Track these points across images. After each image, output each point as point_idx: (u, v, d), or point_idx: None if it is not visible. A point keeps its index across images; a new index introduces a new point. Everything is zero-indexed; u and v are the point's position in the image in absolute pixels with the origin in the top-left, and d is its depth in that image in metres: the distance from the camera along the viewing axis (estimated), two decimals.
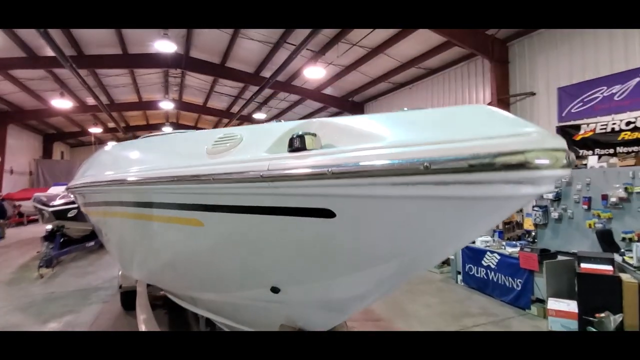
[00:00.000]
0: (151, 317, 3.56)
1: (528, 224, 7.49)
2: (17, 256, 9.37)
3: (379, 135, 1.47)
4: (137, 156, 3.16)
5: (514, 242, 5.61)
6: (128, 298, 4.81)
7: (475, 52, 10.03)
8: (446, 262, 7.01)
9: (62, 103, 15.61)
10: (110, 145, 4.12)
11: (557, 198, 6.36)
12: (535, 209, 6.64)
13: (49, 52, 11.57)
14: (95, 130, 23.74)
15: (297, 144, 1.59)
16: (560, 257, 4.97)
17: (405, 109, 1.71)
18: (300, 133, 1.61)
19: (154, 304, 4.07)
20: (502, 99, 9.55)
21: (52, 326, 4.57)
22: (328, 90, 15.97)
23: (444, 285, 6.19)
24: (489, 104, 10.22)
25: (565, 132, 8.04)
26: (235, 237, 2.06)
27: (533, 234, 6.98)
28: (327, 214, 1.59)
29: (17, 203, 16.93)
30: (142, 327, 3.35)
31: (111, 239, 4.21)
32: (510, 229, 8.06)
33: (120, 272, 5.02)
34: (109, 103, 19.20)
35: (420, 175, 1.30)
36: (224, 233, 2.09)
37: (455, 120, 1.46)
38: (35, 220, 13.89)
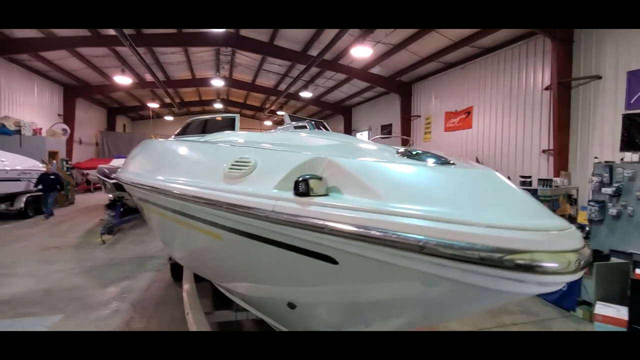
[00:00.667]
0: (194, 289, 3.86)
1: (582, 218, 7.00)
2: (84, 221, 10.41)
3: (384, 194, 1.46)
4: (166, 163, 3.33)
5: None
6: (176, 269, 5.23)
7: (535, 30, 9.23)
8: None
9: (123, 79, 16.65)
10: (150, 143, 4.23)
11: (617, 193, 5.85)
12: (591, 203, 6.16)
13: (111, 31, 12.32)
14: (153, 105, 25.15)
15: (302, 188, 1.64)
16: (613, 259, 4.64)
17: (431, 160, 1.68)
18: (307, 176, 1.65)
19: (198, 277, 4.39)
20: (563, 82, 8.79)
21: (111, 290, 5.10)
22: (375, 70, 15.56)
23: None
24: (548, 87, 9.46)
25: (633, 120, 7.28)
26: (248, 258, 2.18)
27: (587, 229, 6.52)
28: (330, 259, 1.63)
29: (85, 171, 18.61)
30: (185, 297, 3.65)
31: (150, 222, 4.54)
32: None
33: None
34: (165, 80, 20.16)
35: (416, 253, 1.27)
36: (239, 251, 2.21)
37: (464, 189, 1.40)
38: (101, 188, 15.25)
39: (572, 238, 1.21)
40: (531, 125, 10.31)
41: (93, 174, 15.92)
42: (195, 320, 3.08)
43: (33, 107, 16.77)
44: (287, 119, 4.40)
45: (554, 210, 7.39)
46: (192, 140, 3.33)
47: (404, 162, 1.68)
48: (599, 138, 8.41)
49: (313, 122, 4.57)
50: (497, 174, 1.57)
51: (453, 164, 1.63)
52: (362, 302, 1.76)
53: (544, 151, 9.87)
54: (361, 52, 11.81)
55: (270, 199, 1.74)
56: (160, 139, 3.96)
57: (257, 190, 1.88)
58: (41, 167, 11.87)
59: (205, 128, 4.82)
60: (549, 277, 1.14)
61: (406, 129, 16.58)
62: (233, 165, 2.16)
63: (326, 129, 5.11)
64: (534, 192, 7.43)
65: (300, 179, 1.66)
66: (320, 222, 1.50)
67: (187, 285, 3.94)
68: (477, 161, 12.14)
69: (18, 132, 13.50)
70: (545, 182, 7.45)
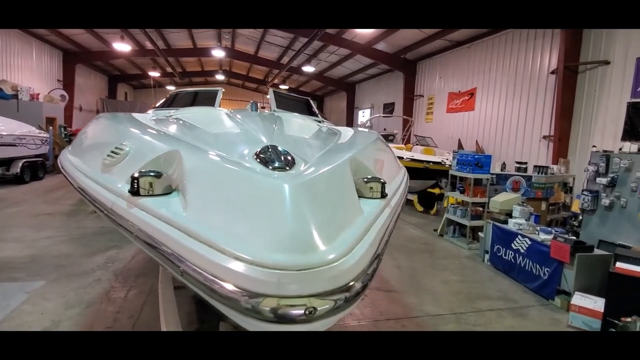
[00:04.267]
0: None
1: (576, 207, 6.94)
2: None
3: (191, 205, 1.46)
4: (89, 143, 3.23)
5: (549, 229, 5.23)
6: None
7: None
8: (476, 239, 6.80)
9: (122, 46, 16.33)
10: (96, 119, 3.66)
11: (612, 184, 5.75)
12: (585, 193, 6.08)
13: None
14: (154, 74, 24.79)
15: (134, 186, 1.60)
16: (597, 251, 4.60)
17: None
18: (145, 172, 1.61)
19: None
20: (570, 66, 8.51)
21: (96, 259, 5.15)
22: (380, 46, 15.13)
23: (468, 263, 6.05)
24: (554, 71, 9.17)
25: (638, 109, 7.07)
26: None
27: (580, 218, 6.47)
28: None
29: None
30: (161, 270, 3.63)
31: None
32: (554, 211, 7.52)
33: None
34: (165, 48, 19.76)
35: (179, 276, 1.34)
36: None
37: (255, 205, 1.34)
38: None
39: (308, 281, 1.12)
40: (534, 110, 10.07)
41: None
42: (163, 292, 3.10)
43: (32, 71, 16.55)
44: (271, 95, 4.28)
45: (547, 198, 7.33)
46: (137, 119, 3.04)
47: (246, 165, 1.59)
48: (601, 126, 8.21)
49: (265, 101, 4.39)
50: (306, 186, 1.44)
51: (288, 168, 1.54)
52: None
53: (544, 137, 9.68)
54: None
55: (115, 194, 1.74)
56: (108, 114, 3.64)
57: (113, 181, 1.87)
58: (37, 133, 11.83)
59: (190, 100, 4.71)
60: (267, 325, 1.13)
61: (408, 109, 16.30)
62: (109, 154, 2.11)
63: (309, 107, 4.97)
64: (528, 179, 7.34)
65: (136, 174, 1.62)
66: (132, 227, 1.53)
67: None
68: (477, 145, 11.97)
69: (15, 96, 13.37)
70: (540, 169, 7.33)
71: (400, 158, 9.41)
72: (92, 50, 19.55)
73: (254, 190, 1.39)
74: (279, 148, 1.67)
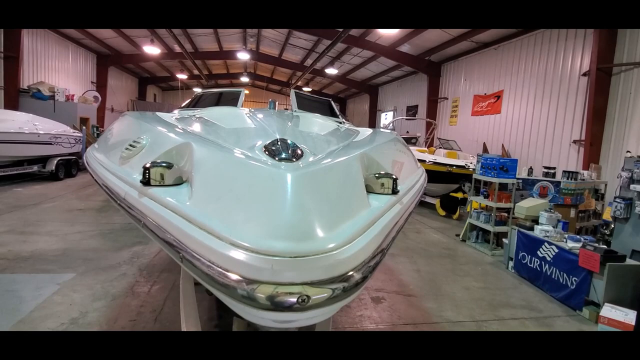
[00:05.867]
0: None
1: (608, 214, 6.64)
2: None
3: (197, 194, 1.47)
4: (113, 139, 3.27)
5: (577, 237, 5.02)
6: None
7: None
8: (499, 245, 6.62)
9: (152, 49, 16.89)
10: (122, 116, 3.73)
11: None
12: (617, 200, 5.82)
13: None
14: (182, 76, 25.47)
15: (146, 176, 1.64)
16: (629, 261, 4.39)
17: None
18: (155, 163, 1.64)
19: None
20: (603, 68, 8.16)
21: (122, 254, 5.34)
22: (404, 48, 14.99)
23: (491, 269, 5.89)
24: (586, 73, 8.82)
25: None
26: None
27: (612, 226, 6.19)
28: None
29: None
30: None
31: None
32: (584, 218, 7.23)
33: None
34: (192, 51, 20.28)
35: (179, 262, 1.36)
36: None
37: (257, 194, 1.34)
38: None
39: (303, 268, 1.11)
40: (564, 113, 9.71)
41: None
42: (184, 288, 3.16)
43: (67, 73, 17.35)
44: (292, 96, 4.32)
45: (576, 205, 7.04)
46: (160, 117, 3.08)
47: (252, 156, 1.60)
48: (637, 131, 7.83)
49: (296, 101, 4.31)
50: (303, 174, 1.43)
51: (295, 160, 1.53)
52: None
53: (574, 142, 9.32)
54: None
55: (128, 185, 1.77)
56: (133, 112, 3.74)
57: (129, 173, 1.90)
58: (72, 133, 12.38)
59: (214, 101, 4.81)
60: (261, 312, 1.11)
61: (432, 112, 16.06)
62: (127, 147, 2.15)
63: (331, 108, 4.98)
64: (556, 184, 7.08)
65: (148, 165, 1.64)
66: (140, 215, 1.55)
67: None
68: (503, 148, 11.66)
69: (52, 97, 14.06)
70: (570, 174, 7.06)
71: (423, 161, 9.30)
72: (124, 53, 20.31)
73: (255, 179, 1.40)
74: (289, 141, 1.68)
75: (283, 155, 1.54)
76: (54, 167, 11.21)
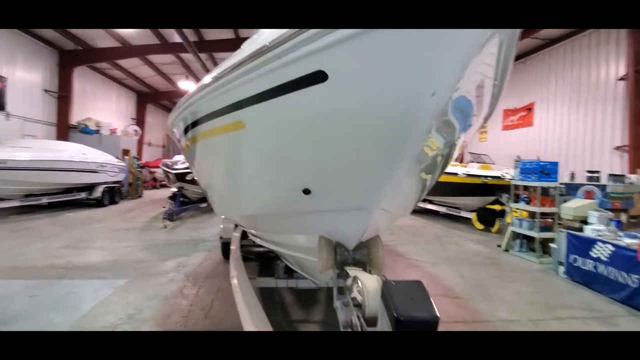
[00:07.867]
0: (241, 265, 3.99)
1: None
2: (149, 210, 11.35)
3: None
4: None
5: (634, 233, 4.77)
6: (226, 248, 5.50)
7: None
8: (547, 252, 6.33)
9: (186, 84, 17.91)
10: None
11: None
12: None
13: (177, 39, 13.37)
14: None
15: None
16: None
17: None
18: None
19: (246, 257, 4.55)
20: None
21: (168, 264, 5.53)
22: None
23: (541, 276, 5.62)
24: (623, 77, 8.63)
25: None
26: (269, 133, 2.12)
27: None
28: (320, 77, 1.58)
29: (152, 170, 20.23)
30: (233, 272, 3.77)
31: (201, 178, 4.11)
32: (636, 224, 6.83)
33: (221, 226, 5.73)
34: None
35: None
36: (261, 129, 2.13)
37: None
38: (165, 185, 16.52)
39: None
40: (602, 119, 9.44)
41: (159, 172, 17.27)
42: (240, 282, 3.23)
43: (111, 111, 18.70)
44: None
45: (626, 209, 6.68)
46: None
47: None
48: None
49: None
50: None
51: None
52: (354, 119, 1.70)
53: (617, 148, 8.98)
54: None
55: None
56: None
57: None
58: (116, 162, 13.14)
59: None
60: None
61: None
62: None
63: None
64: (602, 188, 6.80)
65: None
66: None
67: (233, 247, 4.16)
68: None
69: (98, 131, 15.10)
70: (616, 177, 6.77)
71: (455, 174, 9.17)
72: (160, 91, 21.68)
73: None
74: None
75: None
76: (100, 194, 11.85)
